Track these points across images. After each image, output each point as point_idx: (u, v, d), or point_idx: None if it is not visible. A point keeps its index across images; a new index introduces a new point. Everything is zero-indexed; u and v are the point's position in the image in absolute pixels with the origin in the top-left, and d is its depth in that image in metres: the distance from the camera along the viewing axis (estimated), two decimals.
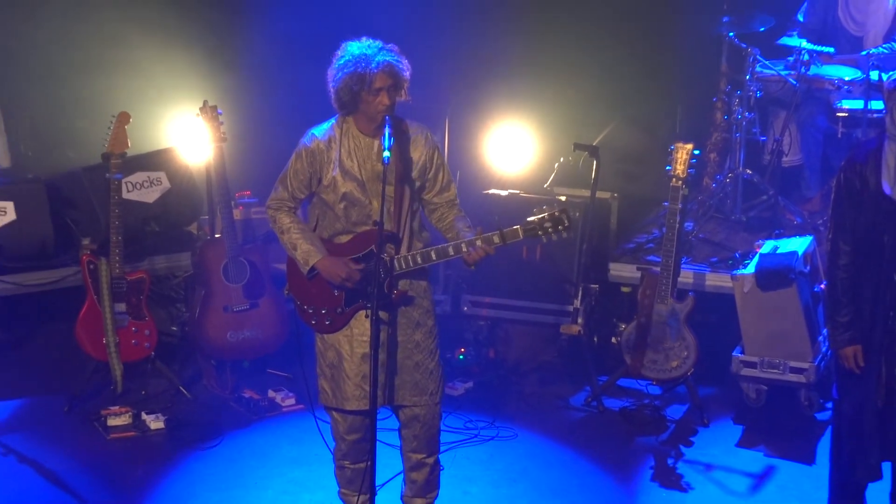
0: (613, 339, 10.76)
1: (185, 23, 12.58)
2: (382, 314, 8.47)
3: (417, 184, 8.51)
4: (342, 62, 8.33)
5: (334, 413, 8.74)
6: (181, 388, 10.53)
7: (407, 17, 11.97)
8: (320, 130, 8.52)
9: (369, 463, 8.46)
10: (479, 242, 8.27)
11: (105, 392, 10.33)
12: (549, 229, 8.25)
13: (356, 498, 8.88)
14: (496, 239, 8.26)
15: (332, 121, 8.51)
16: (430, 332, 8.69)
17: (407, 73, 8.40)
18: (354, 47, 8.37)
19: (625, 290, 11.04)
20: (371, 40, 8.38)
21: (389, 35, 8.49)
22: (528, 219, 8.26)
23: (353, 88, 8.27)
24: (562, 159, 11.56)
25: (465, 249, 8.31)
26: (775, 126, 11.62)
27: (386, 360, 8.56)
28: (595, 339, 10.97)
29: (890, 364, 8.45)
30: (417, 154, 8.46)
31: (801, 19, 11.58)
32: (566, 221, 8.29)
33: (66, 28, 12.48)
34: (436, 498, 9.01)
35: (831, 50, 11.28)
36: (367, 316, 8.47)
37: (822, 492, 9.07)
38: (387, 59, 8.33)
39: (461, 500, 9.43)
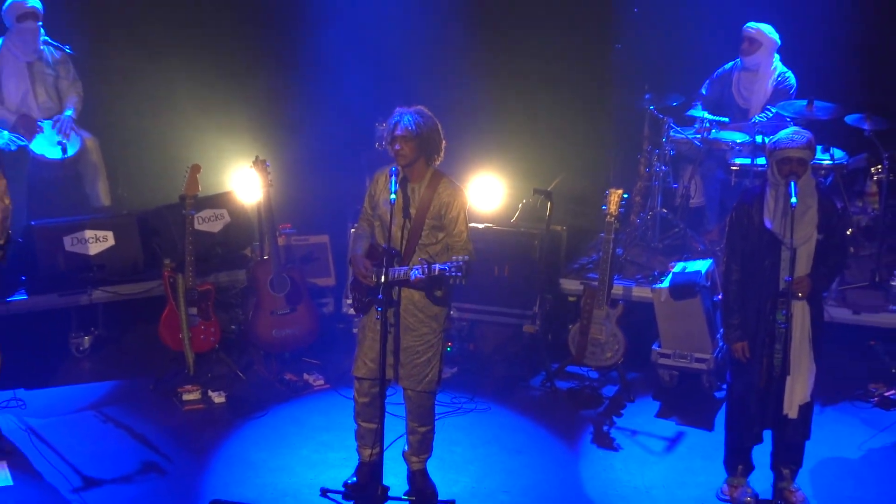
0: (563, 336, 10.73)
1: (243, 91, 12.69)
2: (389, 315, 8.49)
3: (434, 223, 8.50)
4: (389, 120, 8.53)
5: (355, 380, 8.95)
6: (238, 372, 10.59)
7: (412, 86, 11.96)
8: (381, 170, 8.74)
9: (379, 425, 8.56)
10: (414, 273, 8.37)
11: (181, 375, 10.37)
12: (452, 277, 8.29)
13: (367, 451, 8.93)
14: (421, 273, 8.36)
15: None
16: (421, 338, 8.75)
17: (423, 131, 8.46)
18: (396, 111, 8.51)
19: (571, 299, 11.11)
20: (404, 108, 8.49)
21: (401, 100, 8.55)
22: (443, 263, 8.35)
23: (385, 139, 8.52)
24: (524, 200, 11.59)
25: (417, 275, 8.38)
26: (684, 176, 11.72)
27: (393, 348, 8.50)
28: (549, 336, 11.02)
29: (769, 356, 8.67)
30: (440, 199, 8.52)
31: (703, 92, 11.61)
32: (464, 276, 8.26)
33: (154, 96, 12.46)
34: (428, 458, 9.14)
35: (726, 119, 11.45)
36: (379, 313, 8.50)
37: (718, 452, 9.38)
38: (405, 123, 8.40)
39: (449, 458, 9.57)
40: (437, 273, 8.34)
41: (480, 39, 12.71)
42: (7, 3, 11.09)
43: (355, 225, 8.95)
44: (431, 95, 11.46)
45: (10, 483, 9.19)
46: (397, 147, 8.44)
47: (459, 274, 8.23)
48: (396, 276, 8.46)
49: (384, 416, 8.66)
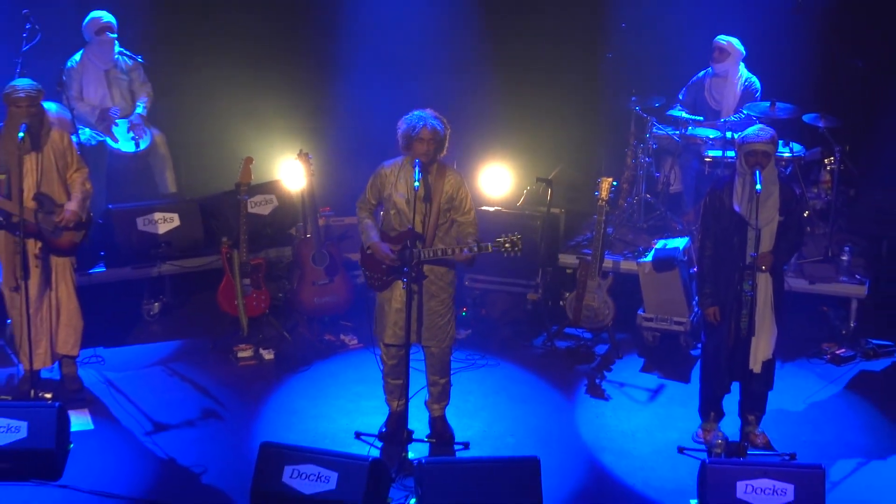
0: (561, 302, 10.72)
1: (289, 91, 12.70)
2: (414, 287, 8.59)
3: (446, 206, 8.59)
4: (404, 121, 8.58)
5: (381, 345, 8.96)
6: (285, 333, 10.57)
7: (432, 87, 11.96)
8: (389, 162, 8.80)
9: (404, 381, 8.68)
10: (458, 251, 8.50)
11: (236, 336, 10.37)
12: (507, 250, 8.57)
13: (395, 402, 9.05)
14: (476, 249, 8.56)
15: (399, 158, 8.73)
16: (443, 302, 8.86)
17: (442, 133, 8.56)
18: (415, 113, 8.59)
19: (568, 271, 11.08)
20: (428, 112, 8.57)
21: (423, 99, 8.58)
22: (497, 239, 8.61)
23: (407, 138, 8.50)
24: (529, 187, 11.56)
25: (457, 253, 8.54)
26: (664, 167, 11.72)
27: (416, 314, 8.51)
28: (549, 302, 10.99)
29: (737, 319, 8.72)
30: (449, 186, 8.60)
31: (681, 96, 11.59)
32: (519, 248, 8.61)
33: (213, 96, 12.47)
34: (447, 405, 9.23)
35: (701, 118, 11.34)
36: (402, 286, 8.61)
37: (693, 401, 9.44)
38: (429, 123, 8.44)
39: (464, 406, 9.58)
40: (483, 250, 8.55)
41: (492, 50, 12.59)
42: (87, 19, 11.09)
43: (358, 213, 8.89)
44: (449, 96, 11.47)
45: (92, 427, 9.25)
46: (426, 146, 8.51)
47: (502, 247, 8.55)
48: (425, 254, 8.57)
49: (409, 373, 8.77)
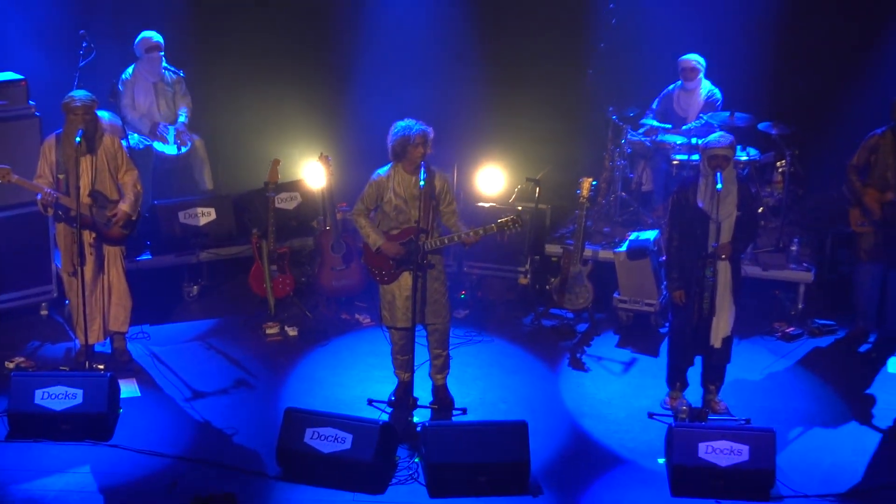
0: (547, 286, 10.74)
1: (312, 101, 12.66)
2: (419, 275, 8.59)
3: (435, 202, 8.58)
4: (395, 131, 8.56)
5: (391, 329, 8.98)
6: (307, 312, 10.56)
7: (439, 98, 11.99)
8: (383, 170, 8.75)
9: (411, 356, 8.79)
10: (472, 234, 8.38)
11: (264, 314, 10.37)
12: (510, 227, 8.56)
13: (403, 374, 9.11)
14: (482, 231, 8.58)
15: (389, 166, 8.69)
16: (442, 283, 8.89)
17: (430, 136, 8.63)
18: (402, 123, 8.60)
19: (553, 259, 11.07)
20: (412, 120, 8.60)
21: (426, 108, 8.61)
22: (499, 220, 8.67)
23: (402, 146, 8.51)
24: (519, 185, 11.54)
25: (464, 238, 8.54)
26: (637, 168, 11.68)
27: (420, 300, 8.49)
28: (537, 286, 10.98)
29: (700, 301, 8.74)
30: (437, 185, 8.60)
31: (653, 106, 11.58)
32: (520, 224, 8.71)
33: (246, 106, 12.51)
34: (447, 375, 9.20)
35: (669, 126, 11.31)
36: (410, 274, 8.64)
37: (661, 372, 9.45)
38: (421, 129, 8.45)
39: (462, 375, 9.57)
40: (496, 230, 8.68)
41: (488, 65, 12.51)
42: (139, 38, 11.10)
43: (356, 219, 8.81)
44: (450, 104, 11.47)
45: (138, 394, 9.27)
46: (423, 148, 8.56)
47: (507, 225, 8.68)
48: (431, 244, 8.61)
49: (414, 348, 8.84)
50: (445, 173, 8.89)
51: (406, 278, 8.74)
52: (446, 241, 8.69)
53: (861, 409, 9.35)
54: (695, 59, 11.41)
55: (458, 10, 12.56)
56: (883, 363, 10.01)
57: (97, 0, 11.66)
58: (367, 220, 8.80)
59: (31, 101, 10.03)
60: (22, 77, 10.05)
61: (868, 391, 9.63)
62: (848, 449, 8.84)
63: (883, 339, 10.20)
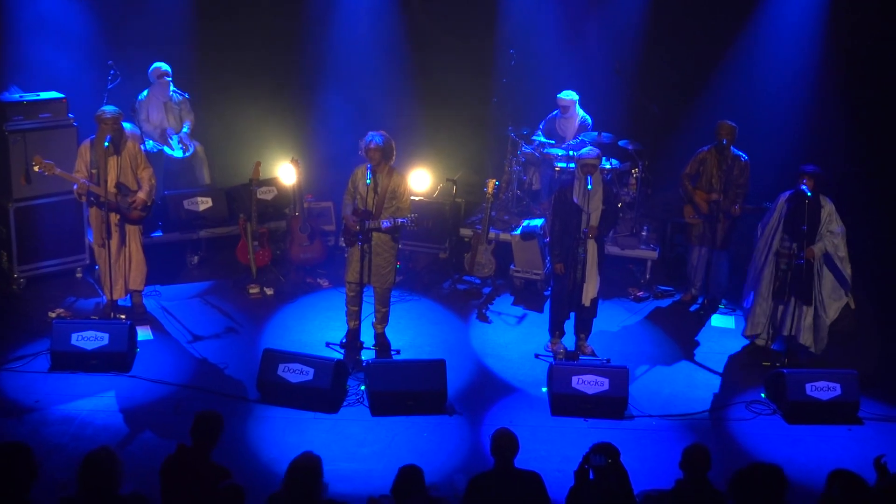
0: (462, 260, 10.72)
1: (287, 113, 12.38)
2: (366, 246, 8.44)
3: (391, 196, 8.60)
4: (364, 139, 8.57)
5: (346, 283, 8.92)
6: (280, 277, 10.37)
7: (385, 116, 11.88)
8: (360, 166, 8.67)
9: (359, 308, 8.76)
10: (385, 223, 8.54)
11: (248, 279, 10.22)
12: (412, 224, 8.58)
13: (352, 322, 9.08)
14: (396, 223, 8.55)
15: (366, 163, 8.56)
16: (384, 259, 8.83)
17: (383, 146, 8.51)
18: (369, 133, 8.55)
19: (466, 239, 11.00)
20: (375, 132, 8.53)
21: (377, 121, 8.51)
22: (410, 216, 8.60)
23: (363, 150, 8.53)
24: (441, 184, 11.49)
25: (384, 228, 8.57)
26: (529, 173, 11.65)
27: (367, 265, 8.42)
28: (454, 259, 10.93)
29: (573, 271, 8.81)
30: (393, 183, 8.62)
31: (541, 127, 11.55)
32: (417, 224, 8.65)
33: (235, 119, 12.30)
34: (386, 326, 9.21)
35: (553, 142, 11.31)
36: (359, 246, 8.55)
37: (544, 324, 9.51)
38: (374, 141, 8.36)
39: (397, 326, 9.46)
40: (399, 224, 8.51)
41: (420, 94, 12.44)
42: (152, 67, 10.88)
43: (344, 199, 8.81)
44: (392, 123, 11.36)
45: (152, 338, 9.16)
46: (371, 154, 8.48)
47: (411, 223, 8.50)
48: (371, 225, 8.53)
49: (362, 303, 8.76)
50: (402, 177, 8.73)
51: (358, 249, 8.67)
52: (376, 226, 8.57)
53: (691, 353, 9.47)
54: (568, 97, 11.32)
55: (401, 53, 12.46)
56: (707, 319, 10.11)
57: (123, 37, 11.42)
58: (349, 199, 8.72)
59: (70, 114, 9.96)
60: (63, 95, 9.96)
61: (697, 339, 9.75)
62: (681, 382, 8.96)
63: (708, 301, 10.32)
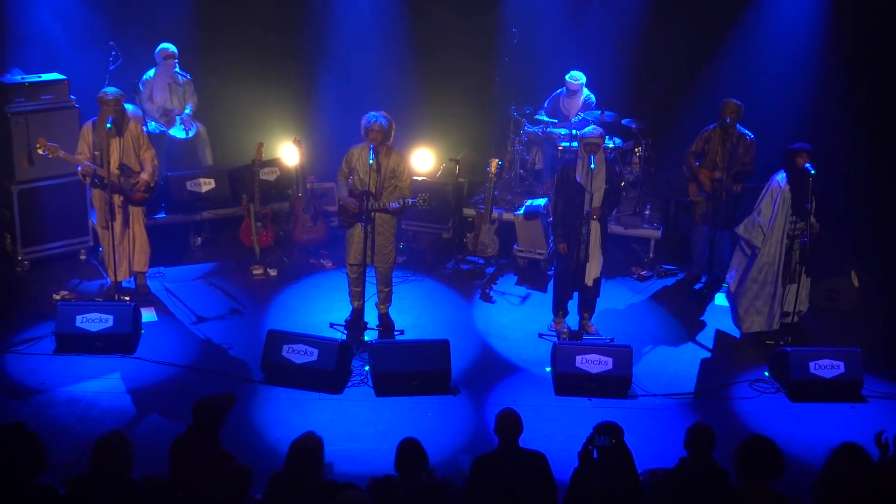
0: (464, 240, 10.71)
1: (290, 93, 12.30)
2: (368, 227, 8.45)
3: (391, 176, 8.57)
4: (364, 118, 8.49)
5: (348, 265, 8.84)
6: (284, 258, 10.36)
7: (387, 95, 11.82)
8: (356, 147, 8.67)
9: (362, 288, 8.79)
10: (400, 204, 8.54)
11: (252, 259, 10.22)
12: (423, 203, 8.65)
13: (356, 303, 9.06)
14: (409, 203, 8.58)
15: (362, 142, 8.56)
16: (386, 238, 8.81)
17: (386, 127, 8.49)
18: (370, 114, 8.51)
19: (469, 219, 10.98)
20: (378, 113, 8.51)
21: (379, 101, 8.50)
22: (420, 196, 8.67)
23: (364, 130, 8.46)
24: (444, 164, 11.47)
25: (391, 209, 8.58)
26: (532, 152, 11.65)
27: (370, 245, 8.41)
28: (457, 239, 10.91)
29: (577, 251, 8.81)
30: (392, 163, 8.57)
31: (545, 106, 11.51)
32: (429, 202, 8.76)
33: (238, 99, 12.23)
34: (389, 306, 9.20)
35: (556, 121, 11.27)
36: (362, 225, 8.53)
37: (548, 304, 9.53)
38: (377, 120, 8.34)
39: (400, 306, 9.45)
40: (409, 204, 8.53)
41: (424, 74, 12.35)
42: (158, 48, 10.83)
43: (337, 179, 8.81)
44: (395, 103, 11.32)
45: (156, 319, 9.19)
46: (374, 135, 8.45)
47: (422, 202, 8.60)
48: (375, 205, 8.52)
49: (364, 283, 8.75)
50: (401, 156, 8.72)
51: (359, 227, 8.65)
52: (383, 206, 8.57)
53: (695, 332, 9.47)
54: (577, 80, 11.27)
55: (402, 33, 12.37)
56: (711, 298, 10.09)
57: (124, 18, 11.38)
58: (342, 180, 8.72)
59: (72, 96, 9.91)
60: (65, 77, 9.94)
61: (700, 318, 9.75)
62: (685, 361, 8.97)
63: (711, 280, 10.31)
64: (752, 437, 5.79)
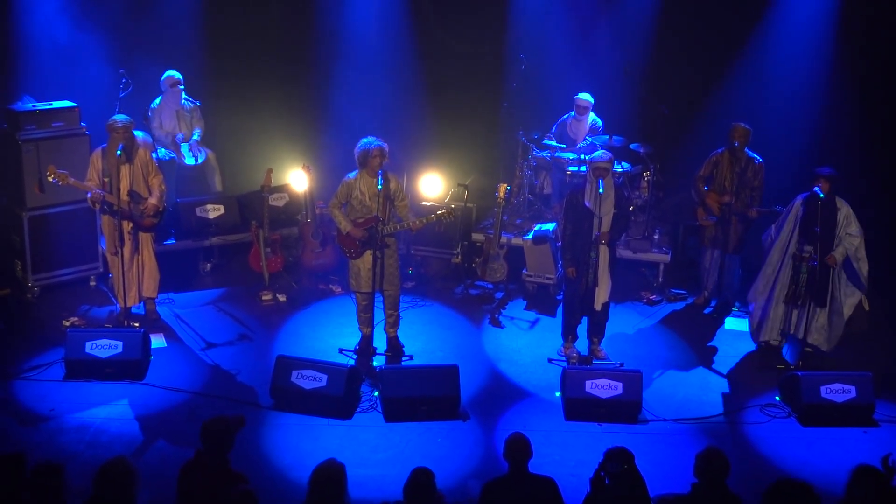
0: (473, 264, 10.70)
1: (298, 122, 12.39)
2: (377, 253, 8.51)
3: (391, 199, 8.51)
4: (359, 146, 8.48)
5: (356, 294, 8.98)
6: (293, 283, 10.41)
7: (392, 121, 11.87)
8: (352, 174, 8.72)
9: (371, 314, 8.76)
10: (417, 222, 8.52)
11: (261, 285, 10.24)
12: (446, 217, 8.69)
13: (365, 329, 9.06)
14: (425, 220, 8.73)
15: (356, 171, 8.64)
16: (395, 261, 8.88)
17: (387, 149, 8.57)
18: (365, 140, 8.54)
19: (478, 244, 10.99)
20: (373, 137, 8.56)
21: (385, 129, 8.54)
22: (437, 212, 8.76)
23: (364, 157, 8.47)
24: (453, 189, 11.48)
25: (411, 225, 8.57)
26: (540, 177, 11.67)
27: (378, 272, 8.43)
28: (466, 264, 10.90)
29: (586, 275, 8.81)
30: (392, 186, 8.53)
31: (552, 131, 11.53)
32: (453, 215, 8.86)
33: (247, 128, 12.36)
34: (398, 329, 9.20)
35: (564, 146, 11.27)
36: (371, 254, 8.56)
37: (557, 328, 9.46)
38: (378, 145, 8.26)
39: (409, 331, 9.51)
40: (434, 219, 8.73)
41: (432, 99, 12.44)
42: (164, 76, 10.92)
43: (332, 210, 8.77)
44: (404, 129, 11.38)
45: (165, 345, 9.19)
46: (378, 159, 8.51)
47: (448, 214, 8.78)
48: (389, 229, 8.58)
49: (374, 310, 8.74)
50: (397, 178, 8.81)
51: (368, 255, 8.67)
52: (398, 228, 8.68)
53: (705, 357, 9.44)
54: (587, 98, 11.33)
55: (411, 60, 12.42)
56: (721, 322, 10.08)
57: (134, 45, 11.47)
58: (339, 211, 8.74)
59: (82, 123, 9.97)
60: (76, 105, 10.01)
61: (710, 343, 9.72)
62: (695, 386, 8.93)
63: (720, 304, 10.28)
64: (784, 480, 5.49)
